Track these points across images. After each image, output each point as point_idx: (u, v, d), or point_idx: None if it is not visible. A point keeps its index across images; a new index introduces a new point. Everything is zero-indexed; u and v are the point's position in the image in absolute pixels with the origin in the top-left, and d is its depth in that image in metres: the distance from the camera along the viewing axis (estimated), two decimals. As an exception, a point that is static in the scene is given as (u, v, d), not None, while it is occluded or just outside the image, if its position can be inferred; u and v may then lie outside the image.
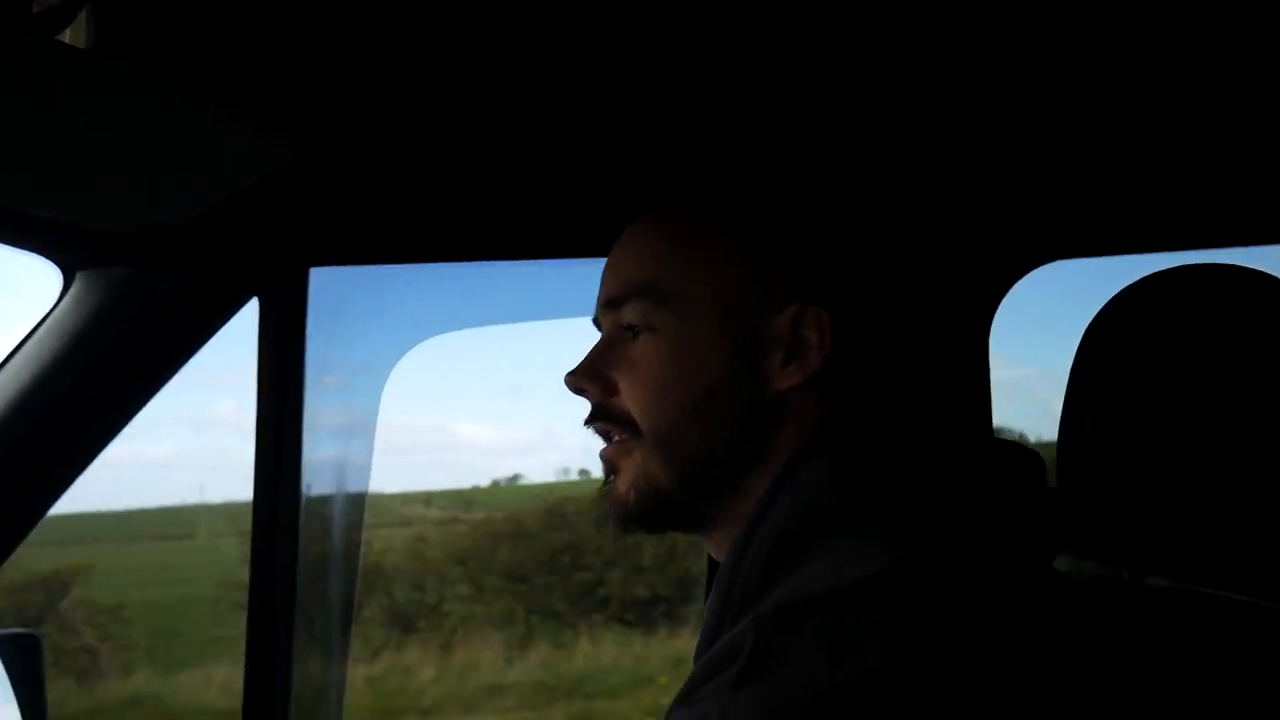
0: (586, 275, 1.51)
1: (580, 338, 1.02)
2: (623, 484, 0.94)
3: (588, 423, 0.97)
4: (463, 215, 1.46)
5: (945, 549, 0.79)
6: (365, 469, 1.72)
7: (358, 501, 1.74)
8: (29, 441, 1.38)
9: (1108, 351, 1.03)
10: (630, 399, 0.93)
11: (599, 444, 0.98)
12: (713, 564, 1.72)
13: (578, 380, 0.96)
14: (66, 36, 0.88)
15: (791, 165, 1.33)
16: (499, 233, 1.48)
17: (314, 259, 1.53)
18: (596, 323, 1.00)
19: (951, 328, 1.52)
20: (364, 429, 1.69)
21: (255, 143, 1.24)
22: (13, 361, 1.40)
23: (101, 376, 1.41)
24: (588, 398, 0.97)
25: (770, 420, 0.91)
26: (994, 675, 0.74)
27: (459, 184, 1.41)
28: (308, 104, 1.19)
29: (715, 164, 1.31)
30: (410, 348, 1.66)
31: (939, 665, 0.73)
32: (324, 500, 1.66)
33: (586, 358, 0.97)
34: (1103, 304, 1.04)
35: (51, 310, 1.40)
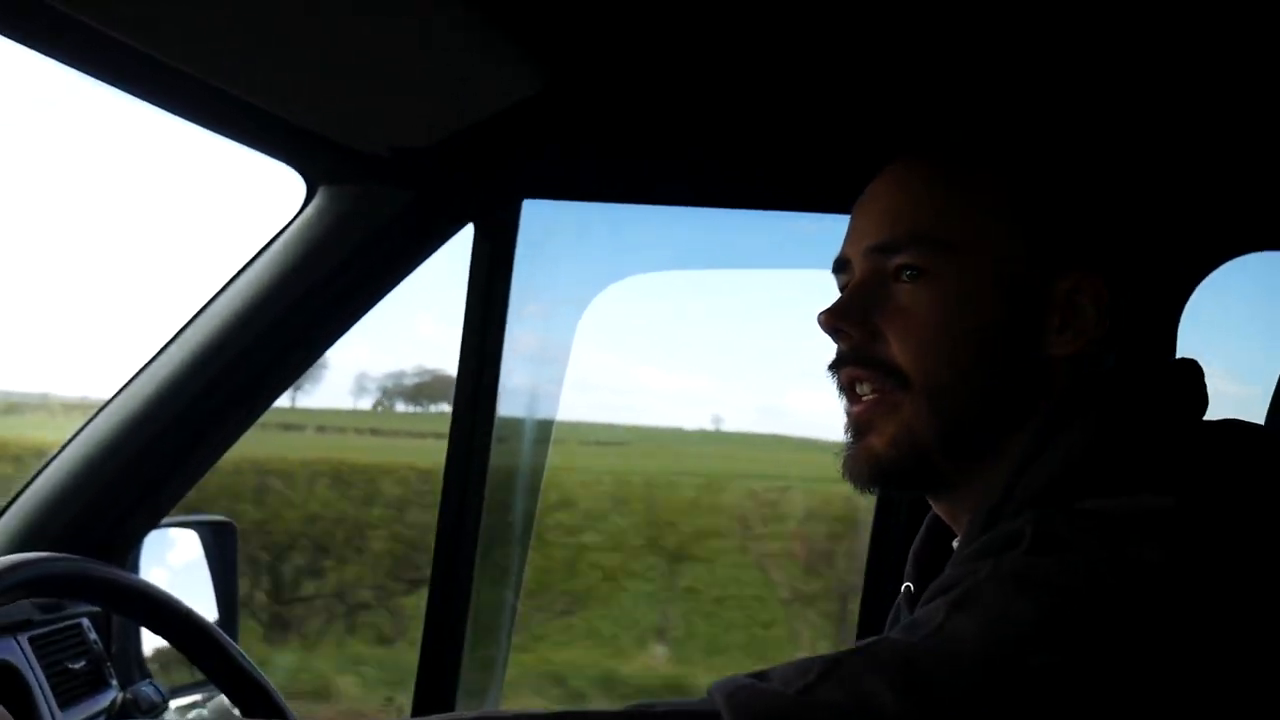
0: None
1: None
2: (880, 439, 0.90)
3: (838, 367, 0.92)
4: (684, 159, 1.51)
5: (1224, 503, 0.80)
6: (555, 397, 1.80)
7: (545, 426, 1.82)
8: (264, 338, 1.48)
9: None
10: (901, 346, 0.88)
11: None
12: (879, 532, 1.73)
13: (836, 320, 0.90)
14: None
15: (1060, 128, 1.34)
16: (718, 179, 1.53)
17: (529, 191, 1.60)
18: (839, 265, 0.95)
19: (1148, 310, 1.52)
20: (557, 359, 1.77)
21: (503, 72, 1.31)
22: (255, 265, 1.49)
23: (330, 285, 1.50)
24: (842, 341, 0.91)
25: (1036, 382, 0.89)
26: (1262, 606, 0.76)
27: (685, 127, 1.46)
28: (559, 31, 1.25)
29: (973, 118, 1.32)
30: (609, 284, 1.73)
31: (1212, 578, 0.75)
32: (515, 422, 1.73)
33: (847, 297, 0.92)
34: None
35: (292, 221, 1.50)
